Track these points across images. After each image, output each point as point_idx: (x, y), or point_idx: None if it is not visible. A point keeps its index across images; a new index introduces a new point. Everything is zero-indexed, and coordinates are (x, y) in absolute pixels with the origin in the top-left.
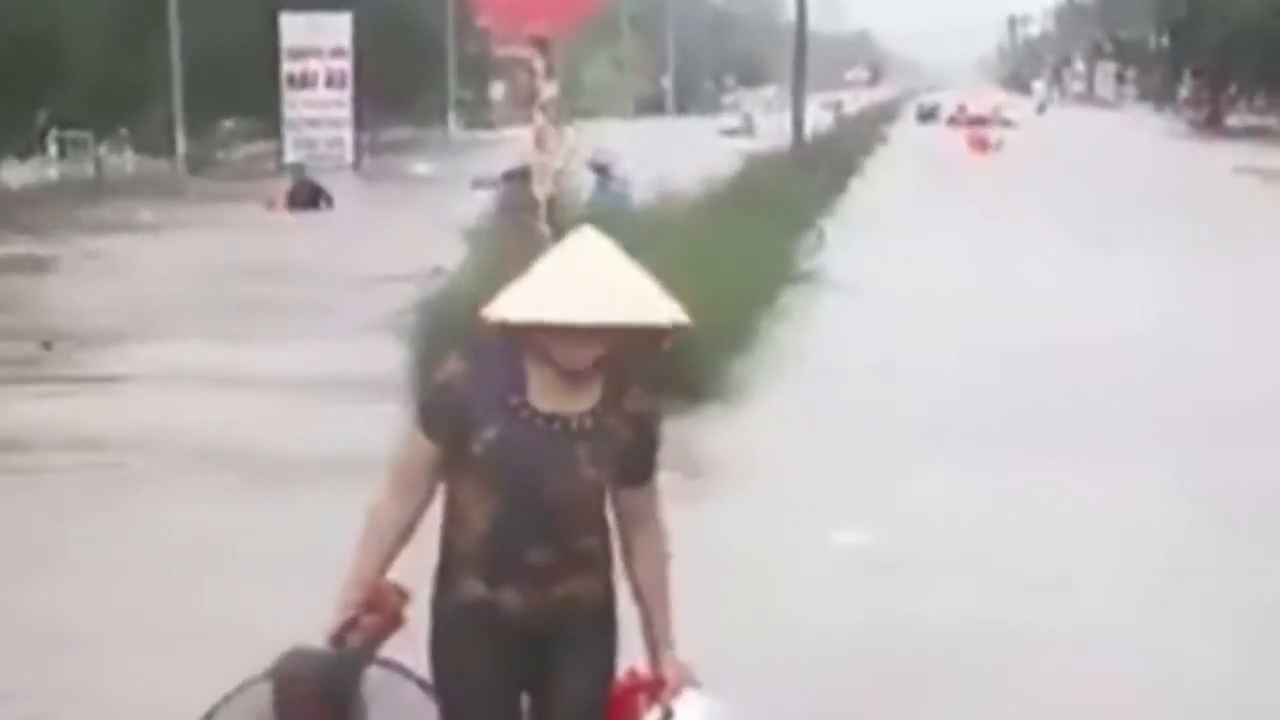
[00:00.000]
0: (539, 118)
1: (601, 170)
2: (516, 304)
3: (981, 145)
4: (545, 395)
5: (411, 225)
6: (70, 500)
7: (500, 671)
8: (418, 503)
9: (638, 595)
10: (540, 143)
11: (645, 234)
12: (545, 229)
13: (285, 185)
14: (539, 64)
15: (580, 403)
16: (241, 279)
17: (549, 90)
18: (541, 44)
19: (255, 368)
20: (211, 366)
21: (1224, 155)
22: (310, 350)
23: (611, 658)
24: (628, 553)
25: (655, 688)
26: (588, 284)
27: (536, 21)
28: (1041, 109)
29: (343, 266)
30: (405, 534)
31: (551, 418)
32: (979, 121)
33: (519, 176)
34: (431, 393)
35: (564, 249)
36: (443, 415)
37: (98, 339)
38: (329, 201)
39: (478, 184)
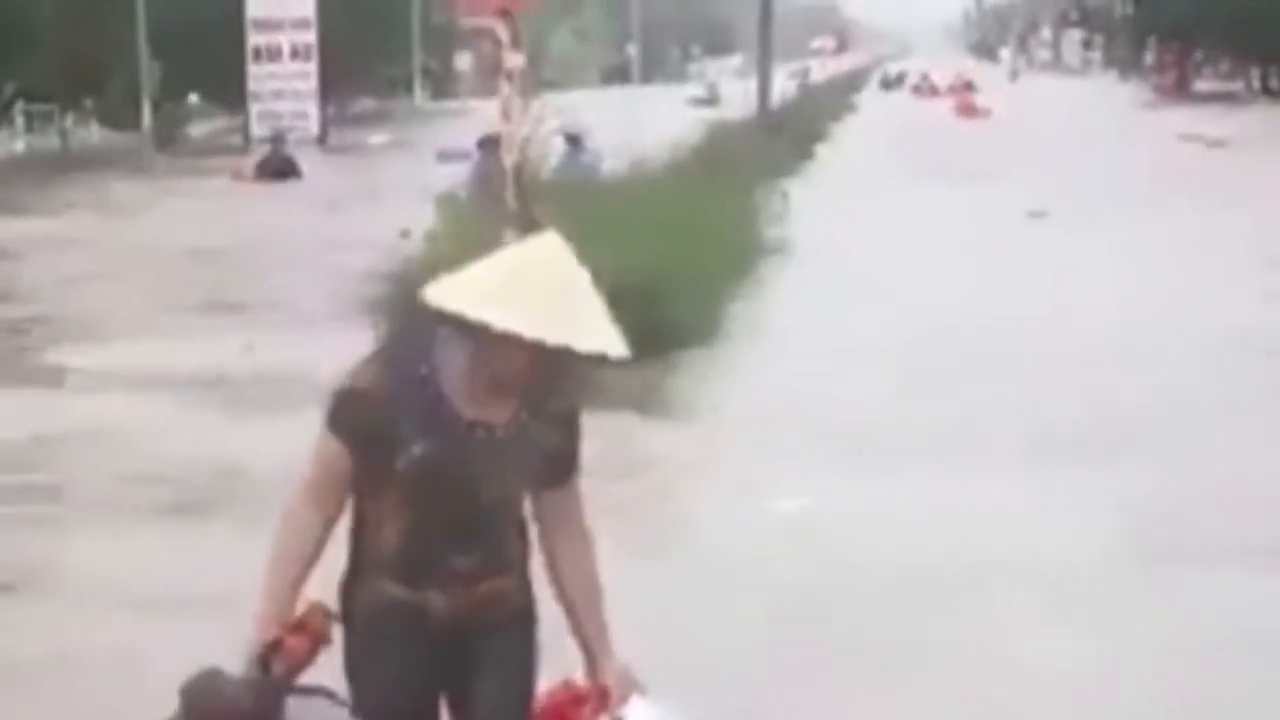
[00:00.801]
0: (505, 88)
1: (573, 140)
2: (481, 303)
3: (969, 112)
4: (470, 403)
5: (379, 195)
6: None
7: (422, 671)
8: (335, 511)
9: (569, 603)
10: (506, 113)
11: (609, 203)
12: (511, 197)
13: (253, 157)
14: (504, 34)
15: (504, 408)
16: (209, 259)
17: (514, 60)
18: (506, 14)
19: (216, 363)
20: (167, 363)
21: (1181, 123)
22: (286, 340)
23: (534, 654)
24: (554, 560)
25: (600, 697)
26: (552, 300)
27: None
28: (1014, 77)
29: (313, 241)
30: (321, 546)
31: (475, 425)
32: (968, 87)
33: (493, 144)
34: (345, 400)
35: (533, 256)
36: (359, 428)
37: (51, 330)
38: (297, 173)
39: (444, 157)
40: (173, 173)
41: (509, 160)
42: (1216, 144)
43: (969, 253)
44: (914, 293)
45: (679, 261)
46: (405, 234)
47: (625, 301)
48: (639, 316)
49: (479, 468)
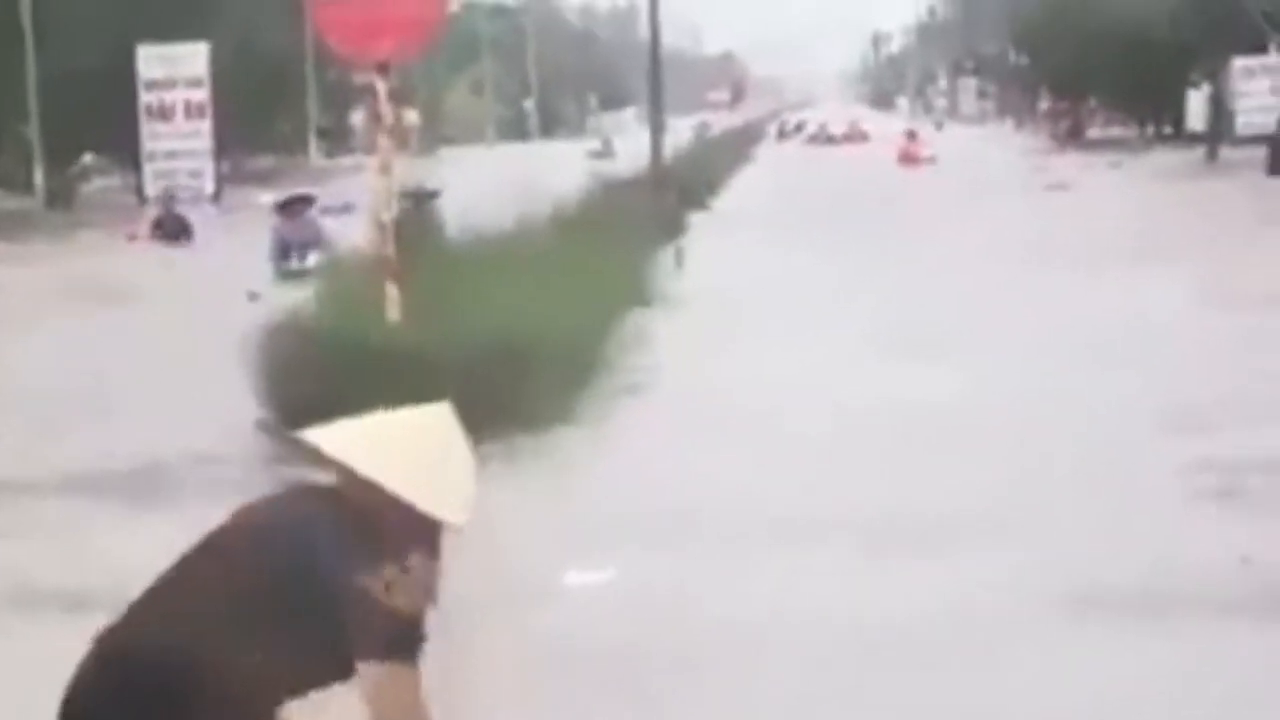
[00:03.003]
0: (383, 142)
1: (415, 199)
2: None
3: (912, 159)
4: None
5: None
6: None
7: None
8: None
9: None
10: (385, 168)
11: (488, 259)
12: (390, 253)
13: (147, 216)
14: (381, 88)
15: None
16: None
17: (392, 115)
18: (384, 68)
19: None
20: None
21: (1062, 169)
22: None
23: None
24: None
25: None
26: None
27: (379, 45)
28: (940, 126)
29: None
30: None
31: None
32: (911, 136)
33: (293, 206)
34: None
35: (433, 426)
36: None
37: None
38: (189, 234)
39: (323, 211)
40: (62, 230)
41: (387, 216)
42: (1058, 187)
43: (846, 309)
44: (793, 371)
45: (553, 320)
46: (254, 296)
47: (496, 363)
48: (509, 379)
49: None
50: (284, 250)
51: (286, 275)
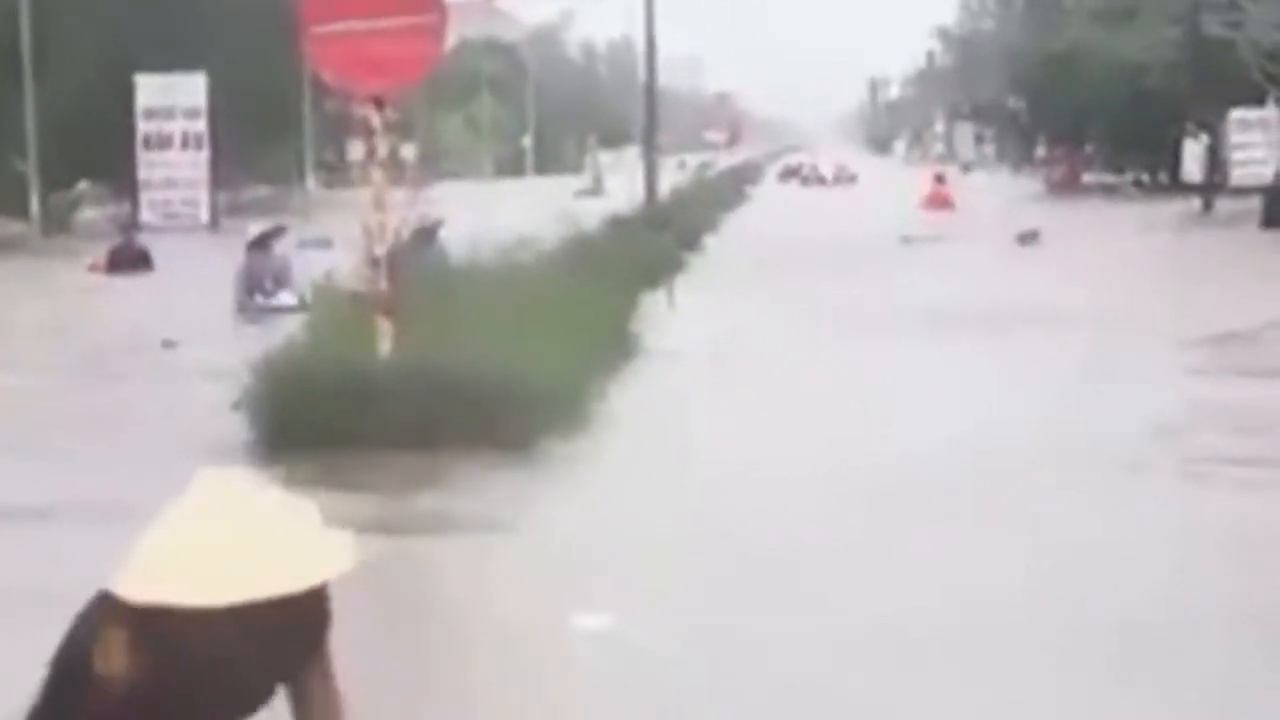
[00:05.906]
0: (376, 176)
1: (422, 235)
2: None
3: (942, 202)
4: None
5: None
6: None
7: None
8: None
9: None
10: (378, 202)
11: (475, 294)
12: (385, 286)
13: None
14: (376, 122)
15: None
16: None
17: (385, 149)
18: (378, 102)
19: None
20: None
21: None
22: None
23: None
24: None
25: None
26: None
27: (373, 80)
28: (967, 169)
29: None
30: None
31: None
32: (940, 179)
33: (261, 243)
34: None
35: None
36: None
37: None
38: (147, 264)
39: (304, 244)
40: (47, 256)
41: (381, 250)
42: (1029, 238)
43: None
44: (778, 422)
45: (540, 355)
46: (169, 344)
47: (483, 394)
48: (495, 409)
49: None
50: (251, 287)
51: (252, 313)
